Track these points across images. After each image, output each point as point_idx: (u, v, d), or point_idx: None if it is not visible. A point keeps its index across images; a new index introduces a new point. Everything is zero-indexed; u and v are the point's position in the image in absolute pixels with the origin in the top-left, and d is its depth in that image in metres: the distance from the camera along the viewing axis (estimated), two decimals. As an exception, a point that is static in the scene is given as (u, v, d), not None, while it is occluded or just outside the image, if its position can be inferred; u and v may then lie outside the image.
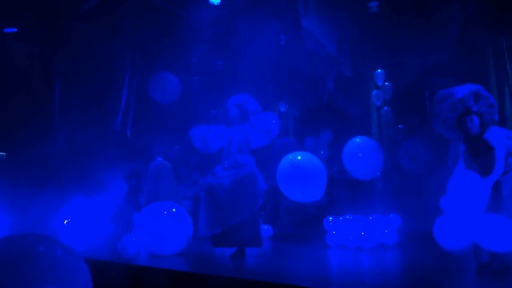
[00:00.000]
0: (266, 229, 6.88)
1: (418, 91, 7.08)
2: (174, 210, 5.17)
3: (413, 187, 6.62)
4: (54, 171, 8.72)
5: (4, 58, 8.55)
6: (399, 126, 7.46)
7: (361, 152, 5.90)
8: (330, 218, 5.76)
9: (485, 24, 5.82)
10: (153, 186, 6.74)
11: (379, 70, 7.41)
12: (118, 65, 8.52)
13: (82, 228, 6.42)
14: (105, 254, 5.20)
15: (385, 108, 7.52)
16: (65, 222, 6.50)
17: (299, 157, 5.32)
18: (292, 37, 7.64)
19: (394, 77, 7.33)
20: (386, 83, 7.44)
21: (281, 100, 8.69)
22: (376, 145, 6.09)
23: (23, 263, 1.87)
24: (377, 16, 6.75)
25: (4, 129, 8.79)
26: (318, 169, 5.29)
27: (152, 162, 7.10)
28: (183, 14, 8.39)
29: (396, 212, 5.76)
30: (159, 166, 6.92)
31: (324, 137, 7.95)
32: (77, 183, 8.20)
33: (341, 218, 5.65)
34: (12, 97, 8.60)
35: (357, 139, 6.02)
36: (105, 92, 8.72)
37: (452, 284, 3.37)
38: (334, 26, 6.77)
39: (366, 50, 6.90)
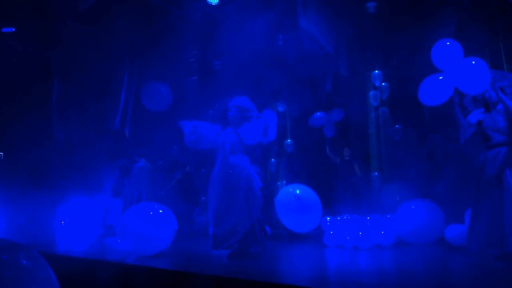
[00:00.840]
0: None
1: (415, 91, 7.09)
2: (157, 210, 5.02)
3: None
4: (52, 171, 8.71)
5: (2, 58, 8.53)
6: (396, 126, 7.48)
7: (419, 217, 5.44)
8: (328, 218, 5.76)
9: (482, 25, 5.84)
10: (135, 186, 6.99)
11: (376, 71, 7.42)
12: (116, 65, 8.50)
13: (79, 227, 6.42)
14: (99, 253, 5.17)
15: (383, 108, 7.54)
16: (62, 222, 6.51)
17: (298, 191, 6.01)
18: (290, 37, 7.63)
19: (391, 78, 7.35)
20: (383, 84, 7.46)
21: (279, 100, 8.69)
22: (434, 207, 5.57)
23: None
24: (374, 17, 6.77)
25: (2, 129, 8.78)
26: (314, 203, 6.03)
27: (135, 163, 7.26)
28: (181, 13, 8.38)
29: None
30: (142, 167, 7.14)
31: (334, 114, 7.79)
32: (75, 183, 8.18)
33: (338, 218, 5.66)
34: (10, 97, 8.59)
35: (412, 206, 5.59)
36: (104, 92, 8.70)
37: (450, 284, 3.38)
38: (332, 26, 6.79)
39: (364, 51, 6.92)
